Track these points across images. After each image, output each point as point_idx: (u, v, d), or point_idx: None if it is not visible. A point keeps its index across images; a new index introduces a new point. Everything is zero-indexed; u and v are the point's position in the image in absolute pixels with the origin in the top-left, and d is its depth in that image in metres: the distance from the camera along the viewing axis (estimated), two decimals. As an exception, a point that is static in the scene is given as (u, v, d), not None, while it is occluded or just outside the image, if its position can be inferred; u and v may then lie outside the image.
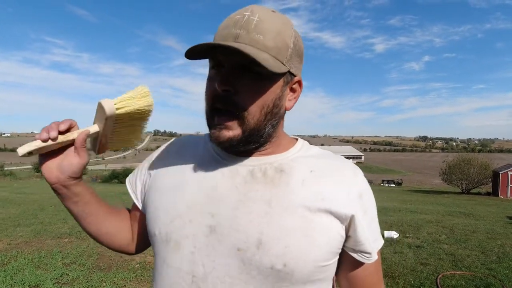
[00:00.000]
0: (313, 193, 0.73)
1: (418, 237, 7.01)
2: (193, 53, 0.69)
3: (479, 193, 27.10)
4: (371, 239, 0.77)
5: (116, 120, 0.79)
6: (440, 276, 4.60)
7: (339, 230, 0.73)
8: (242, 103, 0.69)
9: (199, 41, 0.78)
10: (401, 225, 8.27)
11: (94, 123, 0.80)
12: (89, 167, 69.50)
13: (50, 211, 9.62)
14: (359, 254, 0.77)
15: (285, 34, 0.71)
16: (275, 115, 0.74)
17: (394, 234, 6.92)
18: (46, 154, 0.78)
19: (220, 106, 0.70)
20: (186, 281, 0.72)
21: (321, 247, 0.71)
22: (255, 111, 0.70)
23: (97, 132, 0.80)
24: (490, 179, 27.16)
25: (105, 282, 4.01)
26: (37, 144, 0.72)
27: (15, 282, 3.84)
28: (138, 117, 0.82)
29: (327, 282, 0.77)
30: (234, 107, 0.69)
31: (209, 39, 0.79)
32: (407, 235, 7.20)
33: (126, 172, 36.87)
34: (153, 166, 0.88)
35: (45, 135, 0.72)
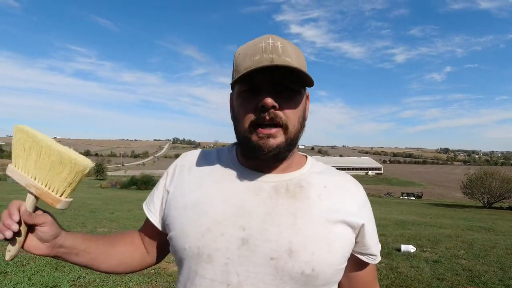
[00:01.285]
0: (329, 205, 0.83)
1: (435, 252, 6.88)
2: (239, 78, 0.78)
3: (501, 208, 26.38)
4: (375, 243, 0.89)
5: (26, 173, 0.81)
6: (456, 291, 4.51)
7: (351, 237, 0.84)
8: (285, 115, 0.80)
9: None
10: (419, 239, 8.13)
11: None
12: (109, 173, 70.37)
13: (69, 215, 9.82)
14: (367, 257, 0.89)
15: (302, 56, 0.84)
16: (304, 125, 0.87)
17: (411, 248, 6.81)
18: (25, 241, 0.81)
19: (267, 119, 0.78)
20: None
21: (339, 253, 0.81)
22: (295, 122, 0.81)
23: (35, 197, 0.81)
24: (513, 194, 26.42)
25: (120, 286, 4.08)
26: (17, 246, 0.79)
27: (33, 283, 3.94)
28: (31, 152, 0.80)
29: (337, 283, 0.87)
30: (280, 119, 0.79)
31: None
32: (424, 249, 7.07)
33: (145, 179, 37.25)
34: (171, 183, 0.92)
35: (9, 233, 0.76)
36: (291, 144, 0.81)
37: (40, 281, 4.00)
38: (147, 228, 0.99)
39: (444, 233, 9.42)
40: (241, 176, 0.86)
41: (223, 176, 0.88)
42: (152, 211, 0.94)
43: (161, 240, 0.94)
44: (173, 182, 0.92)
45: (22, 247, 0.80)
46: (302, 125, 0.84)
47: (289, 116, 0.80)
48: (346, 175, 0.93)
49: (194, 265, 0.80)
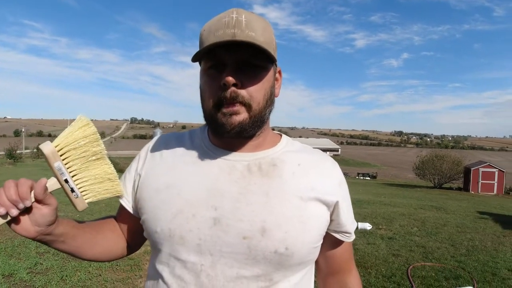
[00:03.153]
0: (303, 183, 0.82)
1: (390, 229, 7.19)
2: (198, 54, 0.76)
3: (450, 188, 27.84)
4: (350, 221, 0.90)
5: (65, 160, 0.75)
6: (411, 267, 4.75)
7: (326, 215, 0.84)
8: (249, 94, 0.77)
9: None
10: (375, 217, 8.46)
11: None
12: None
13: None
14: (341, 234, 0.89)
15: (269, 30, 0.80)
16: (272, 101, 0.84)
17: (367, 226, 7.07)
18: (14, 218, 0.72)
19: (228, 98, 0.75)
20: (195, 270, 0.77)
21: (313, 231, 0.81)
22: (259, 99, 0.79)
23: (59, 184, 0.76)
24: (462, 175, 27.91)
25: (79, 271, 3.97)
26: (1, 220, 0.70)
27: (-14, 271, 3.74)
28: (90, 153, 0.78)
29: (313, 262, 0.89)
30: (242, 97, 0.76)
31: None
32: (380, 227, 7.38)
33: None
34: (142, 166, 0.90)
35: (14, 212, 0.68)
36: (256, 120, 0.79)
37: (-7, 268, 3.82)
38: (121, 213, 0.96)
39: (398, 211, 9.85)
40: (214, 156, 0.85)
41: (195, 157, 0.86)
42: (124, 195, 0.91)
43: (136, 225, 0.91)
44: (145, 165, 0.90)
45: (9, 224, 0.72)
46: (268, 102, 0.81)
47: (253, 94, 0.77)
48: (323, 154, 0.92)
49: (167, 247, 0.80)
